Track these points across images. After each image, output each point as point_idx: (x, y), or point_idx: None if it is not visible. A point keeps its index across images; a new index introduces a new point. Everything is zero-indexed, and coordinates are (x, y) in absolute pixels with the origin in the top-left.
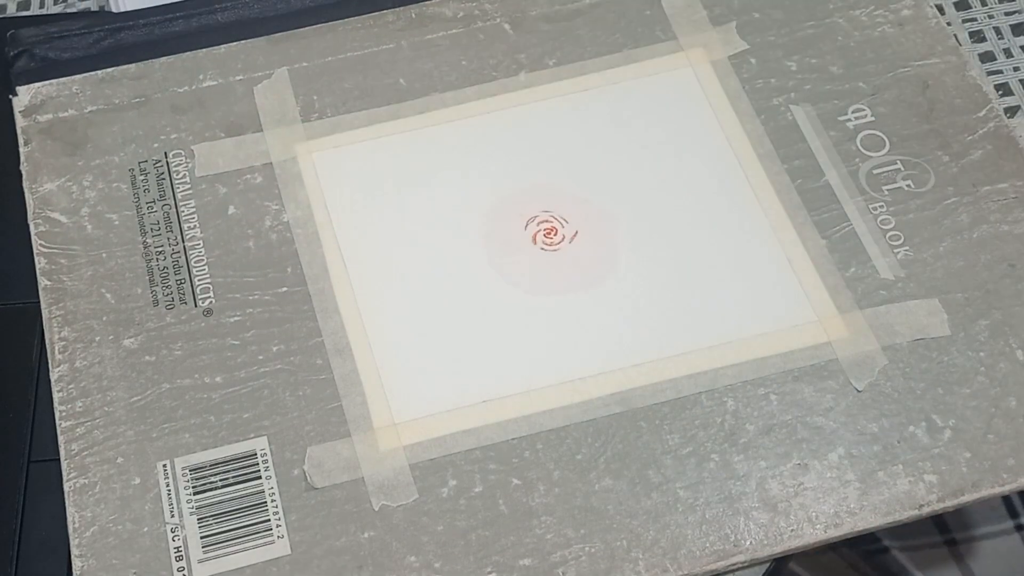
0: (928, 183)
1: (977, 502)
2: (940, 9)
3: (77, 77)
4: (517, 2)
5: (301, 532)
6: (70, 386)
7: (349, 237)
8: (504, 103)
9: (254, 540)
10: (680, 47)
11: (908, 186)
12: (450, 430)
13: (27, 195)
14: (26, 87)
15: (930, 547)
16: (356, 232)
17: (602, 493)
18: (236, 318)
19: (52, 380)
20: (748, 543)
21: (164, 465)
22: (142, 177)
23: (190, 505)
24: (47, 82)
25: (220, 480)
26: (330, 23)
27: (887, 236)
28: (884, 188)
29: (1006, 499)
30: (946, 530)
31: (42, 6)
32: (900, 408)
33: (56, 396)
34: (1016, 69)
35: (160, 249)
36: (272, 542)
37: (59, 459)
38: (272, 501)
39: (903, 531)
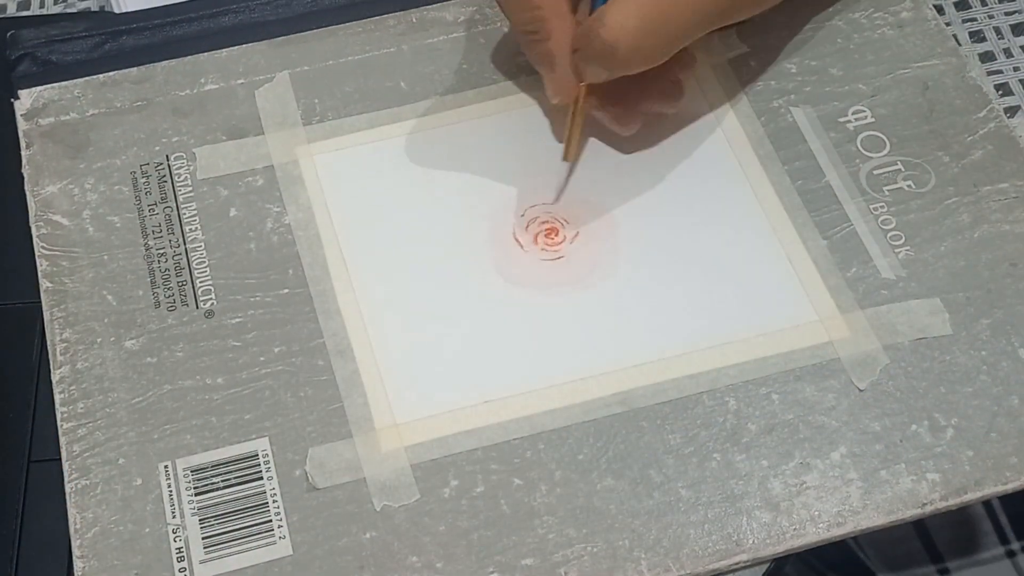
0: (929, 183)
1: (979, 500)
2: (940, 9)
3: (79, 80)
4: None
5: (303, 533)
6: (71, 388)
7: (350, 239)
8: (505, 106)
9: (256, 541)
10: None
11: (909, 186)
12: (452, 430)
13: (29, 198)
14: (28, 90)
15: None
16: (357, 234)
17: (604, 493)
18: (237, 319)
19: (53, 382)
20: (750, 542)
21: (166, 466)
22: (144, 180)
23: (192, 506)
24: (49, 85)
25: (222, 481)
26: (331, 27)
27: (888, 236)
28: (885, 189)
29: (996, 526)
30: (939, 559)
31: (42, 6)
32: (902, 407)
33: (57, 398)
34: (1016, 69)
35: (162, 251)
36: (274, 543)
37: (60, 459)
38: (274, 502)
39: (895, 561)
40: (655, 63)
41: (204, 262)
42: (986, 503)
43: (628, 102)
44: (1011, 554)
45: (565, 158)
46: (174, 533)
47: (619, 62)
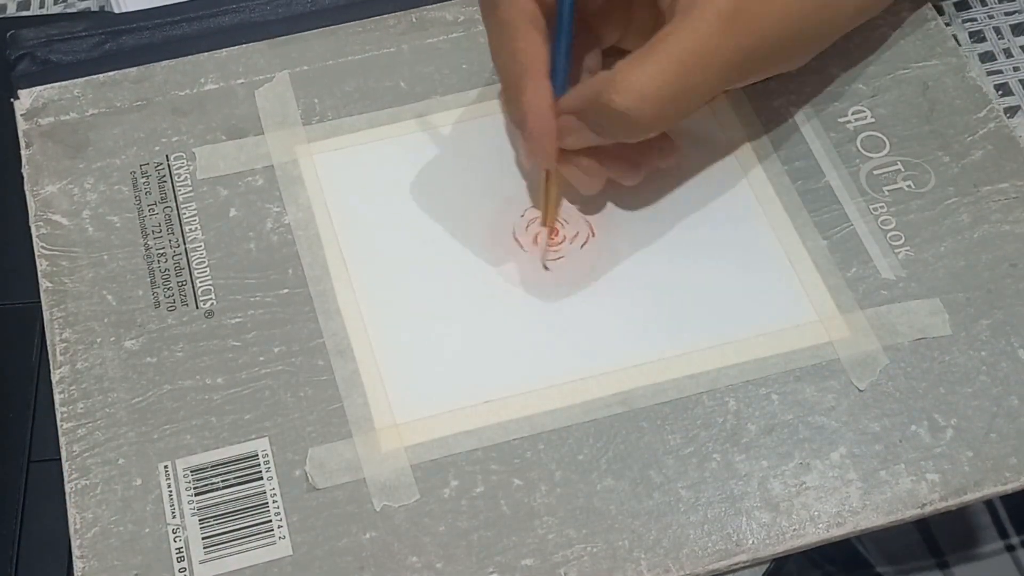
0: (929, 183)
1: (979, 501)
2: (940, 9)
3: (79, 80)
4: None
5: (303, 533)
6: (71, 388)
7: (350, 239)
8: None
9: (256, 541)
10: None
11: (909, 186)
12: (452, 431)
13: (28, 197)
14: (27, 90)
15: (921, 570)
16: (357, 234)
17: (604, 493)
18: (237, 319)
19: (53, 382)
20: (750, 542)
21: (165, 466)
22: (143, 180)
23: (191, 506)
24: (49, 85)
25: (221, 481)
26: (331, 27)
27: (888, 236)
28: (885, 189)
29: (996, 520)
30: (938, 553)
31: (42, 6)
32: (902, 407)
33: (57, 398)
34: (1016, 69)
35: (161, 251)
36: (274, 543)
37: (59, 459)
38: (273, 502)
39: (895, 555)
40: (668, 128)
41: (204, 262)
42: None
43: (628, 158)
44: (1010, 548)
45: (543, 223)
46: (174, 533)
47: (634, 130)
